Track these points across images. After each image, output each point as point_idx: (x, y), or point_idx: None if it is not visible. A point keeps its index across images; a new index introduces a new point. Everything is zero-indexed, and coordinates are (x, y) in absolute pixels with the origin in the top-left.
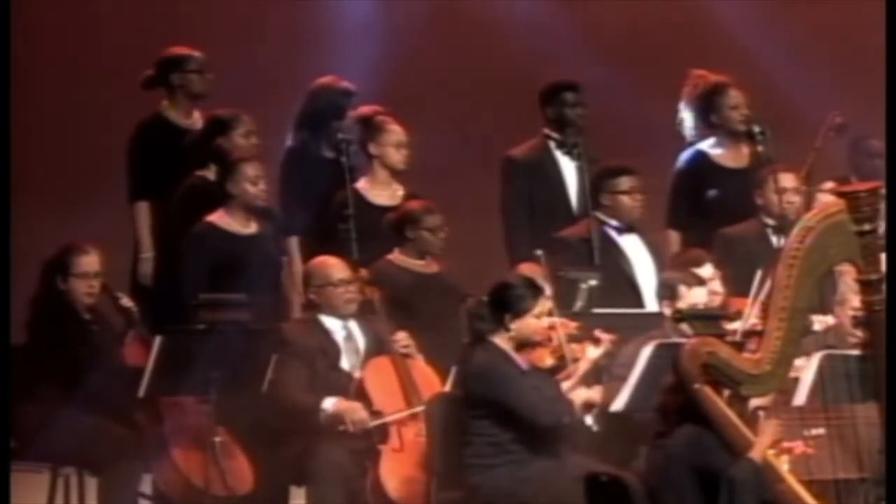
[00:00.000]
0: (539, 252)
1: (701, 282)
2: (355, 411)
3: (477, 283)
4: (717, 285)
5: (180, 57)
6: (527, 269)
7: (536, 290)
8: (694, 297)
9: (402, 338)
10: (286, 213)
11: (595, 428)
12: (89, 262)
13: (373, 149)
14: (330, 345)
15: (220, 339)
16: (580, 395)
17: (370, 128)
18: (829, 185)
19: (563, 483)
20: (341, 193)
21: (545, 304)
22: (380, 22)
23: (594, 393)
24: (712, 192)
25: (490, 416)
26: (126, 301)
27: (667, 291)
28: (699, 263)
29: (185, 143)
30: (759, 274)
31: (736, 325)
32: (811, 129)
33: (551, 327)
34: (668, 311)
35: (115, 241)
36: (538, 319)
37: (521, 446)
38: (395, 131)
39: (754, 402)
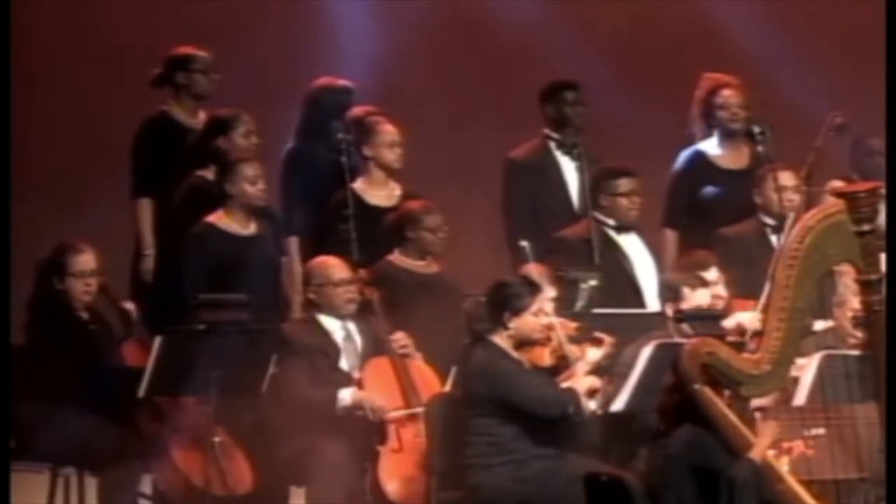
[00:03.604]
0: (524, 244)
1: (704, 283)
2: (374, 399)
3: (477, 283)
4: (720, 289)
5: (185, 57)
6: (533, 269)
7: (534, 288)
8: (697, 298)
9: (400, 337)
10: (288, 214)
11: (600, 411)
12: (85, 260)
13: (367, 150)
14: (329, 345)
15: (220, 339)
16: (583, 382)
17: (363, 129)
18: (839, 183)
19: (562, 483)
20: (340, 193)
21: (544, 302)
22: (380, 22)
23: (595, 380)
24: (709, 190)
25: (491, 414)
26: (128, 305)
27: (669, 293)
28: (705, 267)
29: (186, 143)
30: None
31: (737, 323)
32: (811, 129)
33: (550, 327)
34: (670, 313)
35: (115, 241)
36: (536, 317)
37: (522, 445)
38: (388, 131)
39: (754, 403)
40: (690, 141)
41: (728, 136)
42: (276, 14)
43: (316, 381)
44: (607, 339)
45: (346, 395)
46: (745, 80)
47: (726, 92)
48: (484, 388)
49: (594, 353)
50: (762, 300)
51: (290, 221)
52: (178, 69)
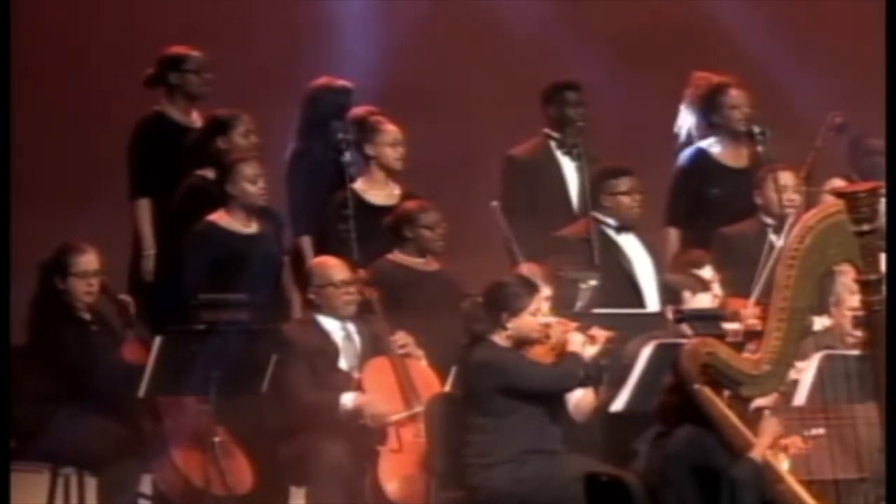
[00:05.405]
0: (495, 203)
1: (705, 287)
2: (375, 405)
3: (477, 283)
4: (715, 288)
5: (178, 56)
6: (526, 269)
7: (531, 288)
8: (699, 302)
9: (400, 337)
10: (294, 215)
11: (603, 363)
12: (87, 260)
13: (369, 150)
14: (328, 345)
15: (220, 339)
16: (577, 342)
17: (364, 129)
18: (839, 183)
19: (562, 483)
20: (340, 193)
21: (541, 301)
22: (380, 21)
23: (588, 337)
24: (714, 192)
25: (492, 411)
26: (124, 297)
27: (671, 296)
28: (699, 265)
29: (185, 143)
30: (762, 276)
31: (734, 326)
32: (811, 129)
33: (549, 326)
34: (671, 315)
35: (116, 242)
36: (534, 317)
37: (522, 444)
38: (390, 131)
39: (754, 403)
40: (676, 140)
41: (731, 136)
42: (276, 14)
43: (316, 382)
44: (600, 335)
45: (347, 401)
46: (745, 80)
47: (734, 92)
48: (488, 379)
49: (590, 350)
50: (753, 297)
51: (298, 221)
52: (170, 69)
